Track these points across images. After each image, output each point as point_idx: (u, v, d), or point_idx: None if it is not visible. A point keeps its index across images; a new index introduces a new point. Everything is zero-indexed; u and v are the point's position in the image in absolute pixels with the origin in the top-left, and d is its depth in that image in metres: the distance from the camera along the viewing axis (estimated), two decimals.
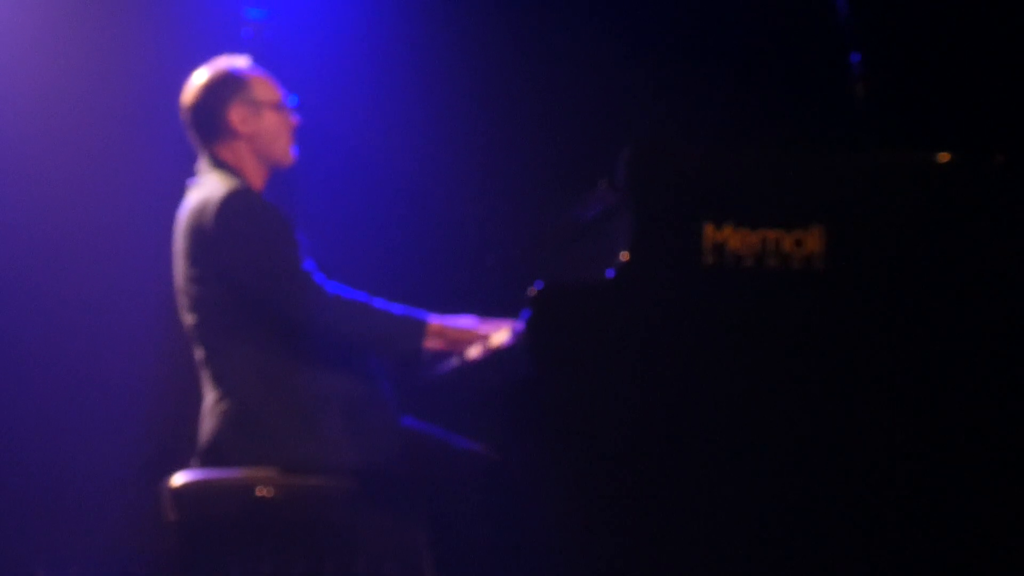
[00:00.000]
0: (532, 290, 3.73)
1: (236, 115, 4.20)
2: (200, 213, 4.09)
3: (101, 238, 5.71)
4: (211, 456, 4.08)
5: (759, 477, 3.73)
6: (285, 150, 4.25)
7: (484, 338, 4.06)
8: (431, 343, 4.10)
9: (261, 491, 3.98)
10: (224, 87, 4.22)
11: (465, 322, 4.13)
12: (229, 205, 4.06)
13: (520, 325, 3.77)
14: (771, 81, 5.37)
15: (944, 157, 3.84)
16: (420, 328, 4.06)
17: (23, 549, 5.70)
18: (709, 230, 3.75)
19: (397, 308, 4.10)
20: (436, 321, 4.10)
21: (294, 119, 4.26)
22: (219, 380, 4.09)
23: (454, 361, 4.30)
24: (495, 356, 4.03)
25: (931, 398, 3.78)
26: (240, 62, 4.28)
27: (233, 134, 4.21)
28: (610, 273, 3.75)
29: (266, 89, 4.25)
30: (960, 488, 3.79)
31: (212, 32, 5.57)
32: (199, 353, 4.15)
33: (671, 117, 5.45)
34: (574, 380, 3.73)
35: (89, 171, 5.70)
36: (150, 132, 5.67)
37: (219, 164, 4.19)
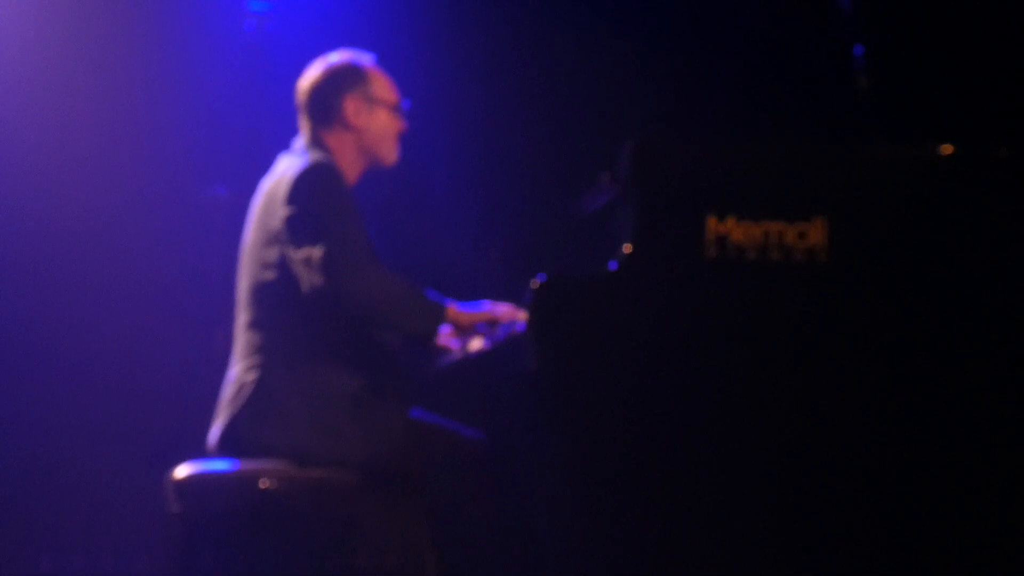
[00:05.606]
0: (535, 282, 3.73)
1: (351, 106, 4.26)
2: (279, 182, 4.17)
3: (106, 234, 5.72)
4: (227, 433, 4.10)
5: (760, 469, 3.73)
6: (390, 150, 4.32)
7: (497, 320, 4.09)
8: (447, 327, 4.14)
9: (264, 483, 3.99)
10: (344, 78, 4.29)
11: (479, 308, 4.16)
12: (309, 173, 4.12)
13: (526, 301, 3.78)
14: (774, 73, 5.36)
15: (947, 149, 3.84)
16: (440, 310, 4.09)
17: (27, 539, 5.72)
18: (712, 222, 3.75)
19: (419, 288, 4.13)
20: (452, 306, 4.13)
21: (404, 123, 4.31)
22: (253, 348, 4.12)
23: (459, 353, 4.31)
24: (500, 348, 4.04)
25: (934, 390, 3.78)
26: (365, 58, 4.33)
27: (344, 124, 4.26)
28: (613, 265, 3.75)
29: (384, 88, 4.31)
30: (963, 480, 3.79)
31: (215, 23, 5.57)
32: (243, 318, 4.17)
33: (674, 110, 5.45)
34: (577, 372, 3.74)
35: (93, 161, 5.71)
36: (153, 121, 5.67)
37: (319, 146, 4.24)
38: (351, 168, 4.26)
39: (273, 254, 4.12)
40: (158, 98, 5.65)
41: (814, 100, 5.07)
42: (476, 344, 4.18)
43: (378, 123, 4.29)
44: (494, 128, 5.68)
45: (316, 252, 4.03)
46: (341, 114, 4.26)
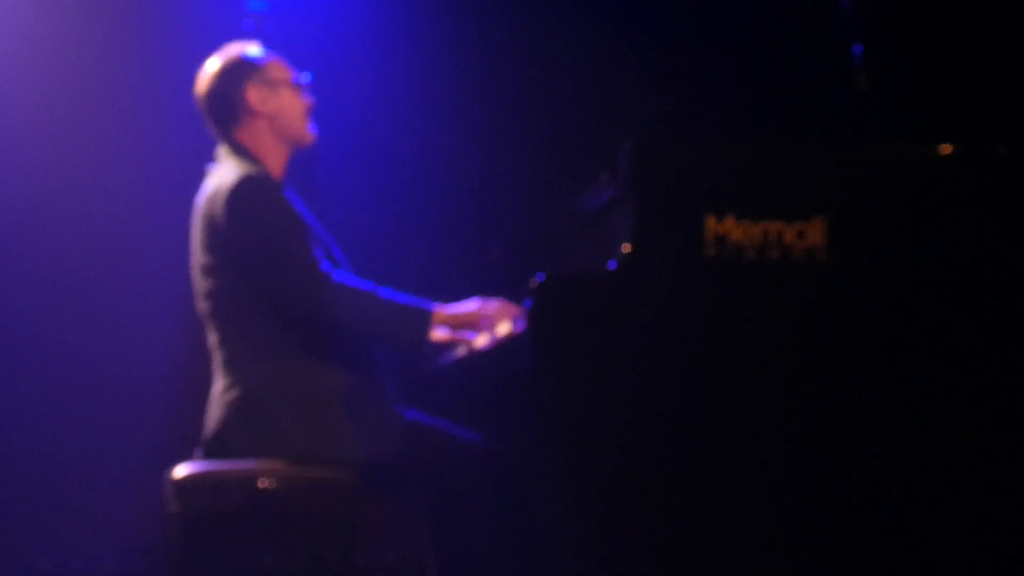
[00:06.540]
0: (534, 282, 3.72)
1: (254, 95, 4.24)
2: (212, 200, 4.12)
3: (104, 232, 5.72)
4: (215, 445, 4.09)
5: (759, 469, 3.72)
6: (303, 127, 4.29)
7: (487, 319, 4.08)
8: (437, 333, 4.11)
9: (263, 483, 3.99)
10: (239, 70, 4.26)
11: (468, 306, 4.14)
12: (239, 192, 4.07)
13: (525, 306, 3.77)
14: (773, 72, 5.36)
15: (946, 149, 3.84)
16: (425, 317, 4.07)
17: (25, 540, 5.71)
18: (711, 222, 3.74)
19: (402, 297, 4.11)
20: (440, 310, 4.11)
21: (309, 98, 4.29)
22: (229, 367, 4.10)
23: (457, 352, 4.31)
24: (498, 348, 4.03)
25: (933, 390, 3.78)
26: (251, 47, 4.31)
27: (252, 114, 4.23)
28: (612, 265, 3.75)
29: (280, 69, 4.30)
30: (964, 480, 3.78)
31: (214, 24, 5.57)
32: (212, 338, 4.16)
33: (673, 109, 5.45)
34: (576, 372, 3.73)
35: (91, 162, 5.71)
36: (153, 122, 5.67)
37: (238, 150, 4.21)
38: (274, 158, 4.23)
39: (226, 280, 4.08)
40: (156, 98, 5.65)
41: (813, 99, 5.07)
42: (481, 340, 4.17)
43: (284, 103, 4.25)
44: (493, 127, 5.68)
45: (263, 278, 4.02)
46: (247, 105, 4.23)
